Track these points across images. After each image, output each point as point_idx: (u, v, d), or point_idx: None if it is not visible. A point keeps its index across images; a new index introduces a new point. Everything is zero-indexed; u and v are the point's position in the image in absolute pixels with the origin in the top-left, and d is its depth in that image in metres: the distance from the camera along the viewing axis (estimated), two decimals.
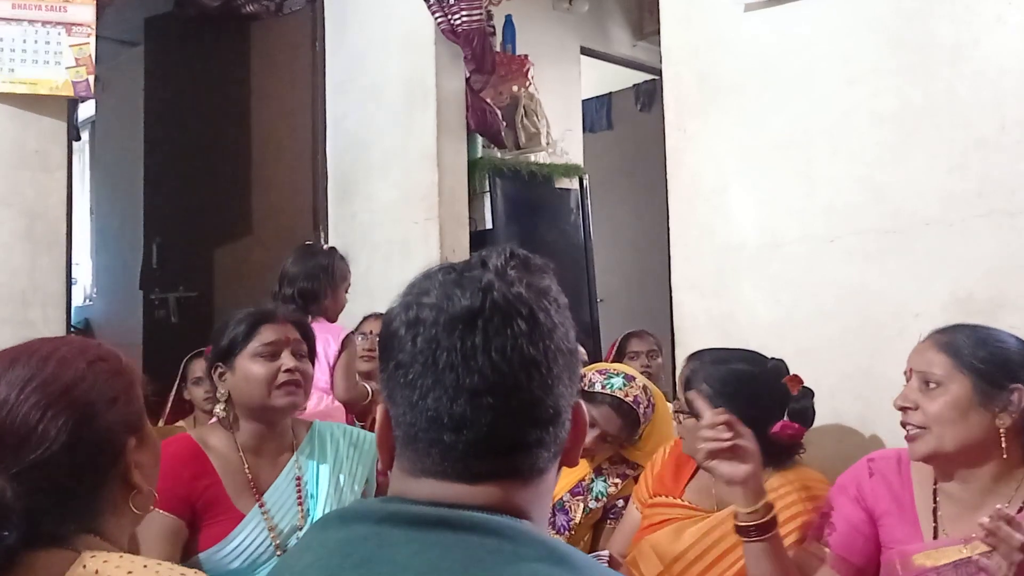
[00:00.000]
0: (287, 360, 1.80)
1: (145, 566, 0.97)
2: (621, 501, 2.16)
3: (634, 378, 2.14)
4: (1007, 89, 1.84)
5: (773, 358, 1.83)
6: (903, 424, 1.51)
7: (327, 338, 2.80)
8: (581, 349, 0.88)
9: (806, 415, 1.77)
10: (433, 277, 0.82)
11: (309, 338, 1.89)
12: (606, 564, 1.80)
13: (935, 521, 1.52)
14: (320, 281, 2.91)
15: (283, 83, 4.14)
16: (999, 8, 1.87)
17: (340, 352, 2.82)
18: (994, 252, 1.85)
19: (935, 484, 1.54)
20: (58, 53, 3.11)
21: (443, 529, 0.74)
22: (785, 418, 1.73)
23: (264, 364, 1.79)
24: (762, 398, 1.74)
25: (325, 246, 3.08)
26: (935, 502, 1.53)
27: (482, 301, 0.77)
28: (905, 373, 1.55)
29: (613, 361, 3.50)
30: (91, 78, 3.16)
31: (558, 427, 0.80)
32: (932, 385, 1.48)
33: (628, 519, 2.00)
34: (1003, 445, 1.46)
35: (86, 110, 5.35)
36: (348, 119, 3.87)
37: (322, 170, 3.94)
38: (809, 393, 1.78)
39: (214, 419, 1.88)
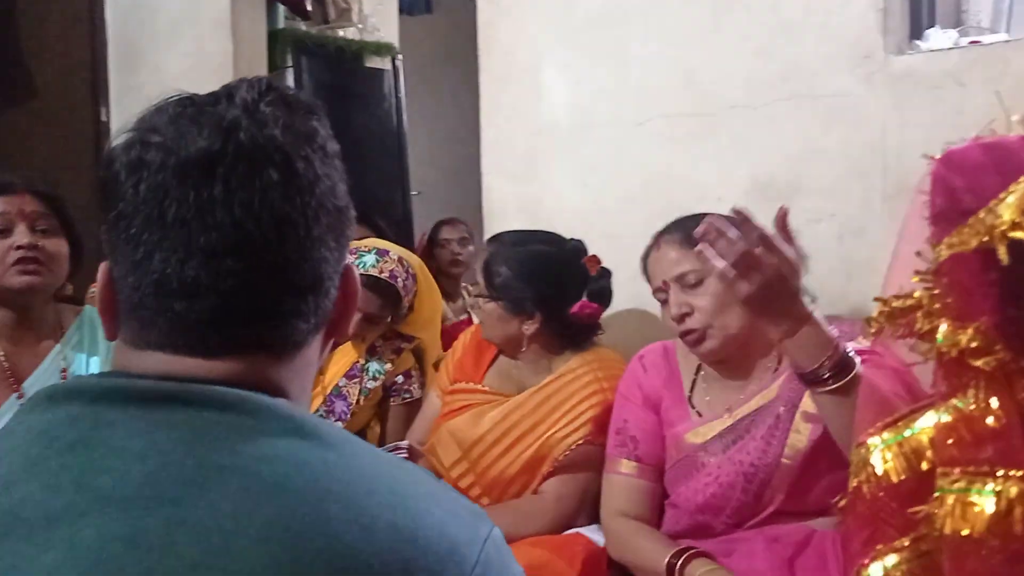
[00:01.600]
0: (21, 235, 1.60)
1: None
2: (401, 377, 2.10)
3: (387, 251, 2.06)
4: None
5: (572, 239, 1.81)
6: (685, 333, 1.48)
7: None
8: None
9: (604, 295, 1.76)
10: (164, 110, 0.67)
11: (61, 211, 1.68)
12: (405, 455, 1.75)
13: (693, 405, 1.56)
14: None
15: None
16: None
17: None
18: (794, 136, 1.87)
19: (699, 371, 1.58)
20: None
21: (171, 405, 0.62)
22: (584, 298, 1.71)
23: None
24: (561, 278, 1.73)
25: None
26: (692, 387, 1.57)
27: (223, 143, 0.63)
28: (660, 288, 1.52)
29: (424, 251, 3.42)
30: None
31: (320, 295, 0.68)
32: (694, 284, 1.47)
33: (428, 407, 1.95)
34: None
35: None
36: None
37: (101, 36, 3.51)
38: (607, 273, 1.77)
39: None
